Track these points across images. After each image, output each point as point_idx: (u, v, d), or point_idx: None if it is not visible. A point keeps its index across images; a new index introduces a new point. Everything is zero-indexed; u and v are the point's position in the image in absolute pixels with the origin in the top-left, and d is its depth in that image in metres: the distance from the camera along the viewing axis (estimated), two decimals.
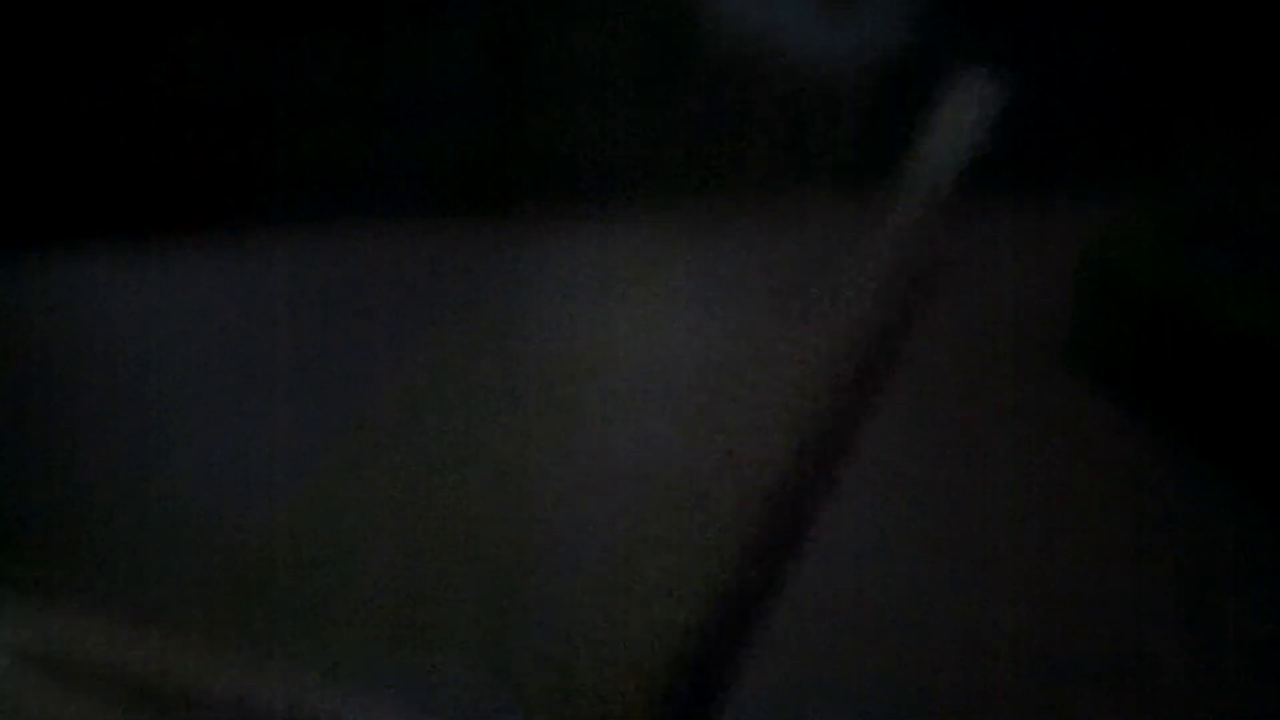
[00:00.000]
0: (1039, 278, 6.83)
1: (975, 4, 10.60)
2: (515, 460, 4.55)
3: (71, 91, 10.18)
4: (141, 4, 10.23)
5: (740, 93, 10.61)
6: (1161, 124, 7.17)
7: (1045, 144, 10.33)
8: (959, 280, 7.13)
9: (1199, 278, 4.70)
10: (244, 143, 10.48)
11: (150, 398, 5.63)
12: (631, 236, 9.33)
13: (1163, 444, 4.41)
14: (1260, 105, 6.93)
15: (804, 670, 2.97)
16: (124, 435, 5.02)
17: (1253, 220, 4.89)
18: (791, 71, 11.45)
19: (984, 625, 3.15)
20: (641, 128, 10.56)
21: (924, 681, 2.90)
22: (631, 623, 3.18)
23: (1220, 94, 8.81)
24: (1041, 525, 3.76)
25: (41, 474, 4.63)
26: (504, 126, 10.59)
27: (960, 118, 0.37)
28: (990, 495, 4.01)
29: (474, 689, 2.82)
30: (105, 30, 10.30)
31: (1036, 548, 3.60)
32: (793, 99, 11.21)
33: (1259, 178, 5.11)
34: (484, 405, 5.23)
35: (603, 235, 9.36)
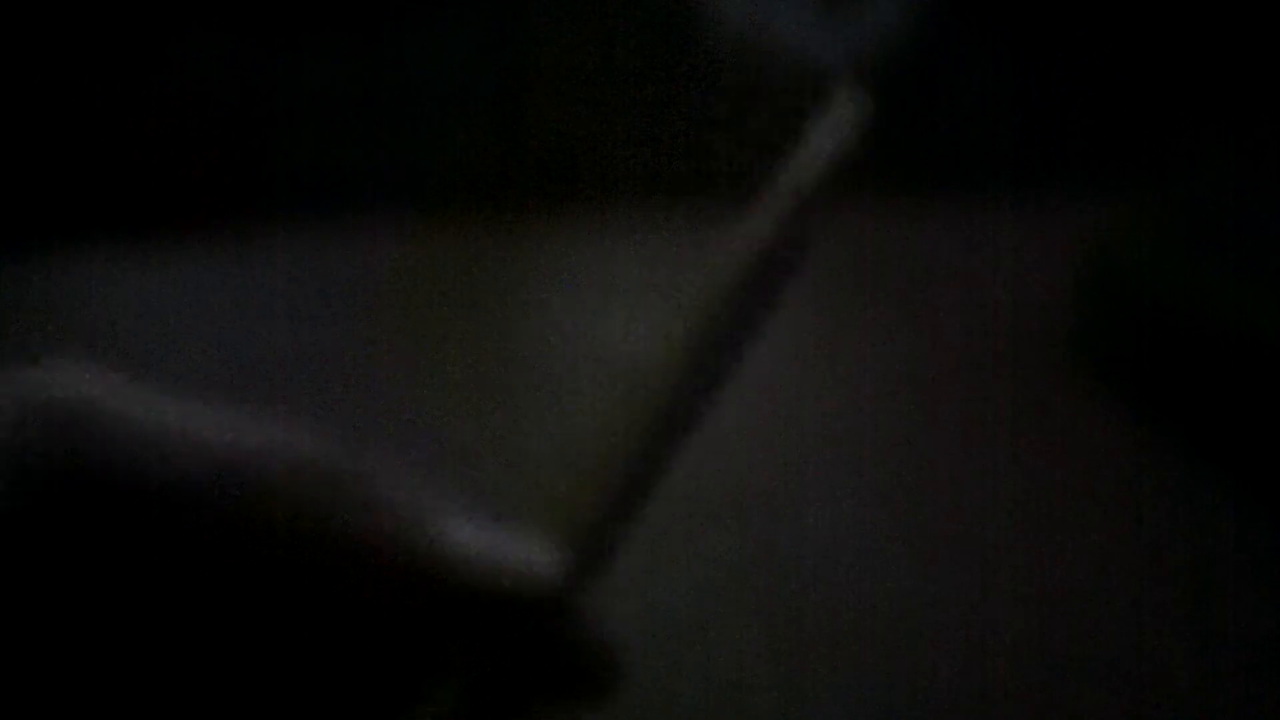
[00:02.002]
0: (1041, 277, 6.84)
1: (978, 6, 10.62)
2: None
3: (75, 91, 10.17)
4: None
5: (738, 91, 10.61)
6: (1164, 125, 7.18)
7: (1046, 144, 10.32)
8: (960, 279, 7.14)
9: (1199, 278, 4.70)
10: (246, 142, 10.46)
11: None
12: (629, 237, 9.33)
13: (1163, 443, 4.41)
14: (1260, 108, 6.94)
15: (805, 668, 2.98)
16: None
17: (1253, 220, 4.90)
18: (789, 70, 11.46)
19: (984, 625, 3.16)
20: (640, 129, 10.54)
21: (924, 681, 2.91)
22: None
23: (1220, 96, 8.81)
24: (1042, 524, 3.77)
25: None
26: (505, 126, 10.56)
27: (833, 129, 0.36)
28: (990, 494, 4.02)
29: None
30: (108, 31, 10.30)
31: (1037, 547, 3.61)
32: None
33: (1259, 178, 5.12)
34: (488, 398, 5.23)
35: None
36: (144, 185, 10.29)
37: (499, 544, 0.32)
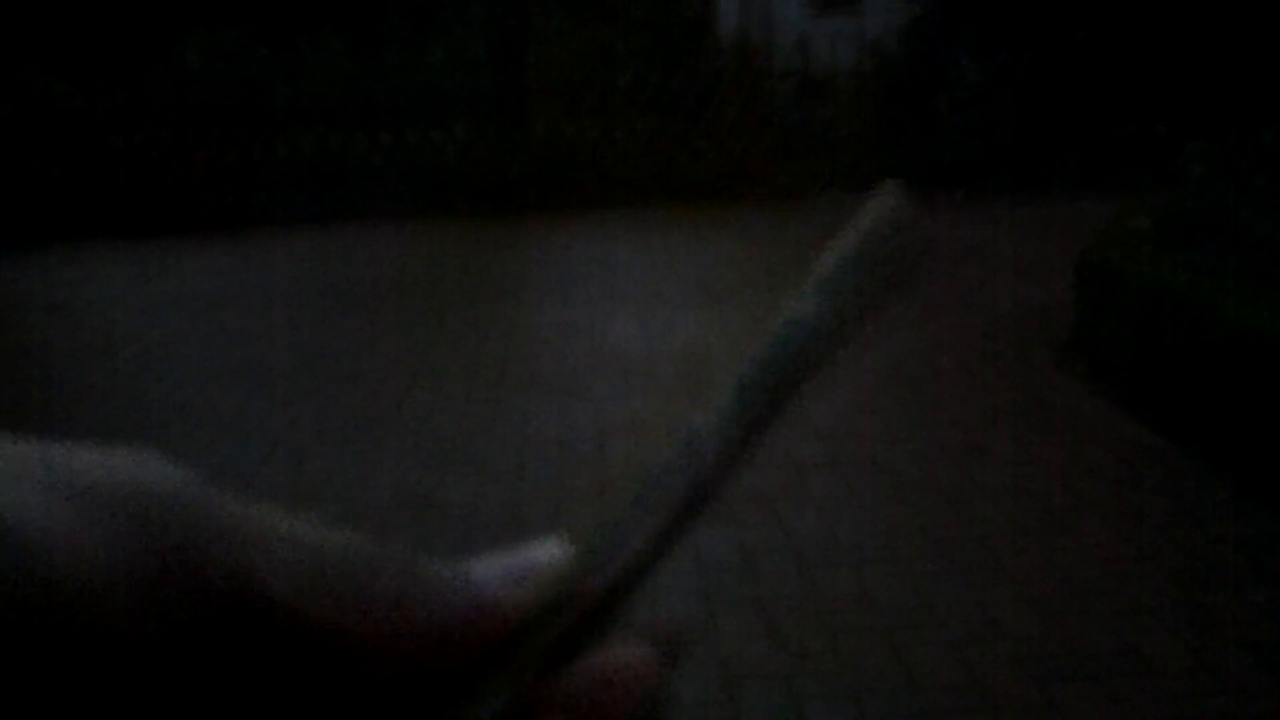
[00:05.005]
0: (1041, 277, 6.83)
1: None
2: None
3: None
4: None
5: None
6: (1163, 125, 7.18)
7: (1046, 144, 10.31)
8: (960, 279, 7.14)
9: (1199, 278, 4.70)
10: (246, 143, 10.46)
11: (151, 392, 5.64)
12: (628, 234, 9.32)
13: (1163, 444, 4.41)
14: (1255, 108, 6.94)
15: (805, 667, 2.98)
16: (125, 429, 5.02)
17: (1251, 220, 4.90)
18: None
19: (984, 625, 3.16)
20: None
21: (924, 681, 2.91)
22: None
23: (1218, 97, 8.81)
24: (1042, 524, 3.77)
25: None
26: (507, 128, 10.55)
27: (877, 226, 0.35)
28: (990, 494, 4.02)
29: None
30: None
31: (1037, 547, 3.61)
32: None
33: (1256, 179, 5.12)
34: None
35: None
36: (144, 185, 10.29)
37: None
